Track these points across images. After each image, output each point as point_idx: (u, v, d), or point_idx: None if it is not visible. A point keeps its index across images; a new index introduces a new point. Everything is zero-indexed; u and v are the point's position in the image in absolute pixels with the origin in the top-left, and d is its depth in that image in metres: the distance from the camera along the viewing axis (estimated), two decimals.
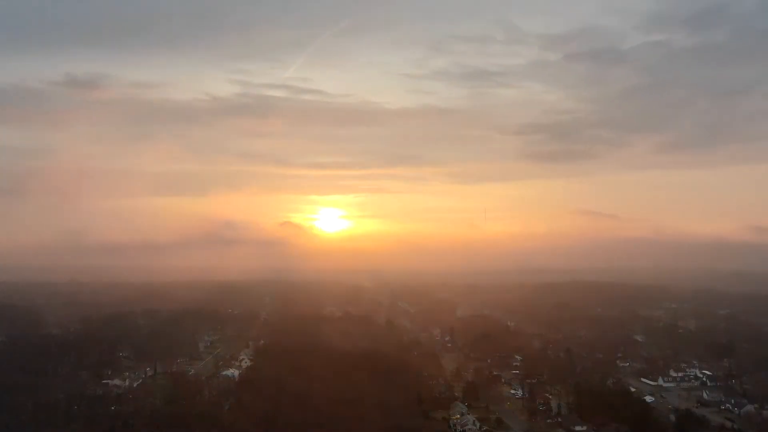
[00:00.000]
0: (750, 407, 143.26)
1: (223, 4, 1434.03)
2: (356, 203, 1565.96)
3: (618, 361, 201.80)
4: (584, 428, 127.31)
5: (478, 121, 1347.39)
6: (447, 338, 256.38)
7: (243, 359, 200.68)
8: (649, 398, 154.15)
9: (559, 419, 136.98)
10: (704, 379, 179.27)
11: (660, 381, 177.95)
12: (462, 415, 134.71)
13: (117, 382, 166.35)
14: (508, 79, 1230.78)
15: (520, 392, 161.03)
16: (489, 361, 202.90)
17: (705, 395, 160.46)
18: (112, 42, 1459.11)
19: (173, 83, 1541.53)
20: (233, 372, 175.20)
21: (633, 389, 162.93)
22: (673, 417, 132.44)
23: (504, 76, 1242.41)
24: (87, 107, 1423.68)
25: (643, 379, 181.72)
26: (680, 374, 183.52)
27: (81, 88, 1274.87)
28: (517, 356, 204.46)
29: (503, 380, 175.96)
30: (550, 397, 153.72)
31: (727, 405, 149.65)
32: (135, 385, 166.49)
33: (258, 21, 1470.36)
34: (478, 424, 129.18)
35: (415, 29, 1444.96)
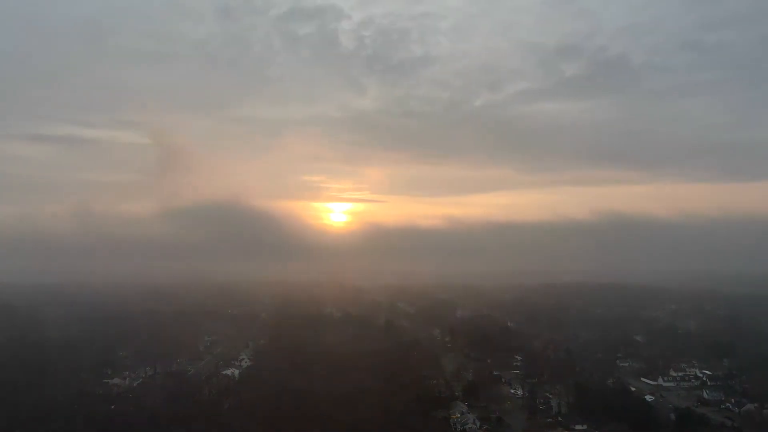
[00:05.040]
0: (750, 406, 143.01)
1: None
2: (355, 209, 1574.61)
3: (618, 361, 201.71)
4: (584, 427, 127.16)
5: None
6: (447, 338, 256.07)
7: (243, 359, 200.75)
8: (649, 397, 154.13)
9: (560, 418, 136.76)
10: (704, 378, 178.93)
11: (660, 380, 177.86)
12: (462, 414, 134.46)
13: (117, 381, 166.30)
14: None
15: (520, 392, 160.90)
16: (489, 360, 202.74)
17: (705, 394, 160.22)
18: None
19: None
20: (233, 371, 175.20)
21: (633, 389, 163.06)
22: (673, 416, 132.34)
23: None
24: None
25: (643, 379, 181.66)
26: (680, 374, 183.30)
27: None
28: (517, 356, 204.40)
29: (503, 380, 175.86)
30: (551, 396, 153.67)
31: (728, 404, 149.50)
32: (135, 384, 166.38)
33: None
34: (478, 423, 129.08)
35: None
